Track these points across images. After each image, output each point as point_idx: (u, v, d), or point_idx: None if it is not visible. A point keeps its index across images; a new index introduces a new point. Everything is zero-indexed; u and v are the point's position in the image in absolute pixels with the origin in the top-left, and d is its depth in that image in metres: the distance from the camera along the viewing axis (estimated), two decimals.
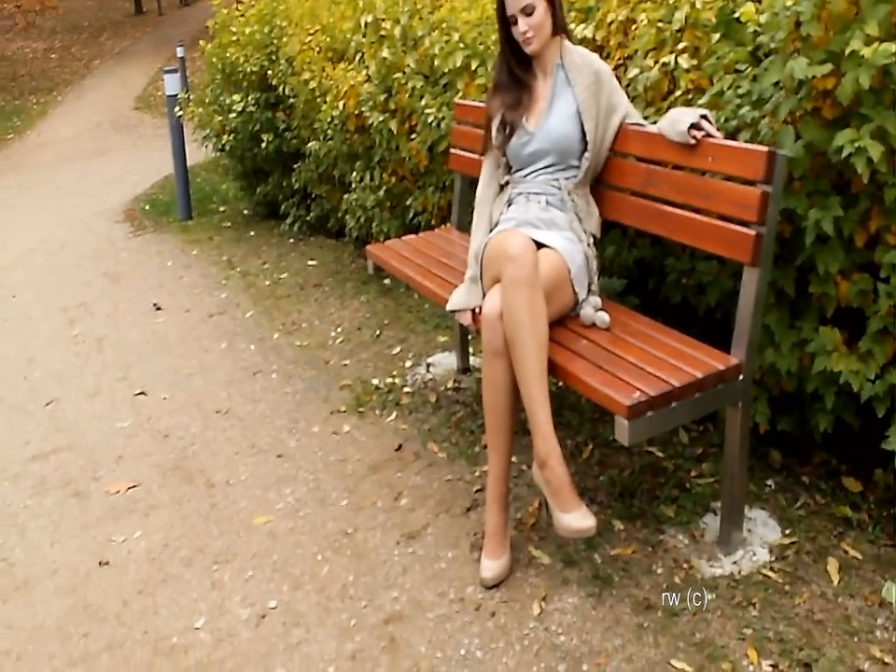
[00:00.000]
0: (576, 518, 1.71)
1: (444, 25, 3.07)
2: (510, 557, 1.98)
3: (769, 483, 2.19)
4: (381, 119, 3.35)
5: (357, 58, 3.62)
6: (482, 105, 2.74)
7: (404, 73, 3.30)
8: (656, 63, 2.09)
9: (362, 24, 3.50)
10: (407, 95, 3.27)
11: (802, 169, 1.76)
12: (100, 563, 2.19)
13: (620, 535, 2.07)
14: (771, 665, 1.65)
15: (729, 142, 1.80)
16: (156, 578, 2.11)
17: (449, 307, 2.17)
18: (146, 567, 2.16)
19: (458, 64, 2.90)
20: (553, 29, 2.08)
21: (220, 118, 4.70)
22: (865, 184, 1.73)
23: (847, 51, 1.57)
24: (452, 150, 2.89)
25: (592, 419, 2.61)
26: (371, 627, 1.87)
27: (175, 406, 3.05)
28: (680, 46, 2.06)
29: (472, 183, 3.04)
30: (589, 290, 2.07)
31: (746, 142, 1.85)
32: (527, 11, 2.02)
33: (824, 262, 1.82)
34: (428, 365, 3.18)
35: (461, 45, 2.92)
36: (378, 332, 3.54)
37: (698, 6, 2.01)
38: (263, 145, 4.56)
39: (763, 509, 2.09)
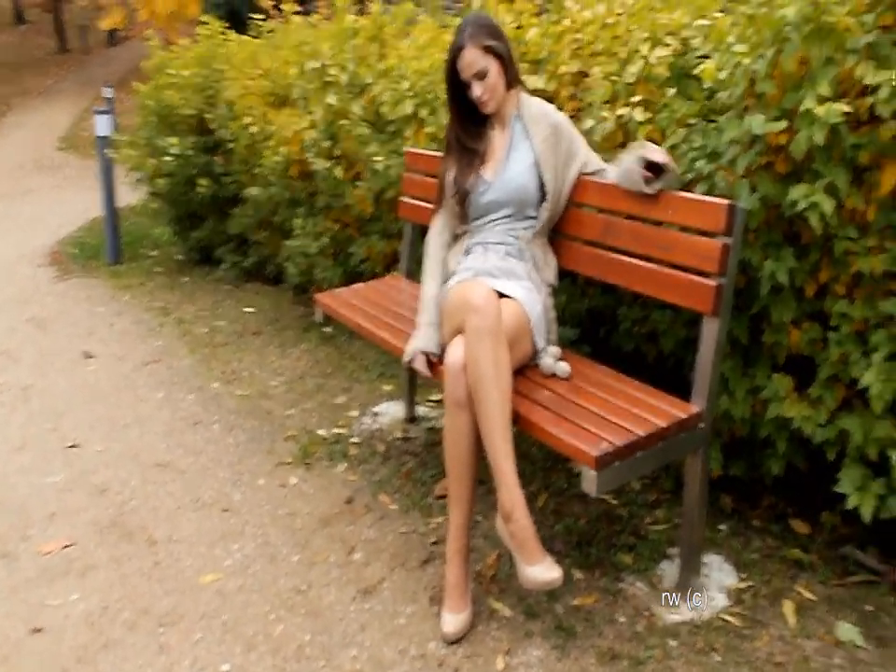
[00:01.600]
0: (541, 570, 1.70)
1: (393, 73, 3.12)
2: (471, 611, 1.95)
3: (721, 527, 2.24)
4: (326, 165, 3.36)
5: (302, 104, 3.64)
6: (433, 153, 2.80)
7: (349, 119, 3.33)
8: (613, 114, 2.17)
9: (308, 70, 3.51)
10: (352, 142, 3.30)
11: (757, 221, 1.84)
12: (33, 629, 2.04)
13: (580, 584, 2.06)
14: None
15: (689, 195, 1.86)
16: (97, 643, 1.98)
17: (405, 359, 2.15)
18: (85, 633, 2.02)
19: (408, 112, 2.94)
20: (507, 85, 2.12)
21: (154, 160, 4.61)
22: (815, 237, 1.83)
23: (802, 109, 1.66)
24: (402, 199, 2.91)
25: (544, 468, 2.62)
26: None
27: (110, 458, 2.91)
28: (635, 99, 2.14)
29: (423, 231, 3.07)
30: (547, 340, 2.09)
31: (703, 194, 1.92)
32: (481, 75, 2.04)
33: (778, 312, 1.89)
34: (375, 414, 3.14)
35: (409, 93, 2.96)
36: (321, 381, 3.49)
37: (652, 61, 2.10)
38: (200, 189, 4.50)
39: (717, 553, 2.13)
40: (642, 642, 1.86)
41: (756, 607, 1.96)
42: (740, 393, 2.01)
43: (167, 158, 4.45)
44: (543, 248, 2.18)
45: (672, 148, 2.03)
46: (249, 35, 4.72)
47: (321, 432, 3.01)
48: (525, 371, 2.05)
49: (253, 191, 3.92)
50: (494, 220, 2.17)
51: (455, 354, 1.86)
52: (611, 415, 1.79)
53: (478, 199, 2.16)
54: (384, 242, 3.45)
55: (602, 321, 2.54)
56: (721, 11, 2.20)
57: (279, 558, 2.29)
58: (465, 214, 2.19)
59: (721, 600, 1.98)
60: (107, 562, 2.32)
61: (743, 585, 2.03)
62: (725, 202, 1.74)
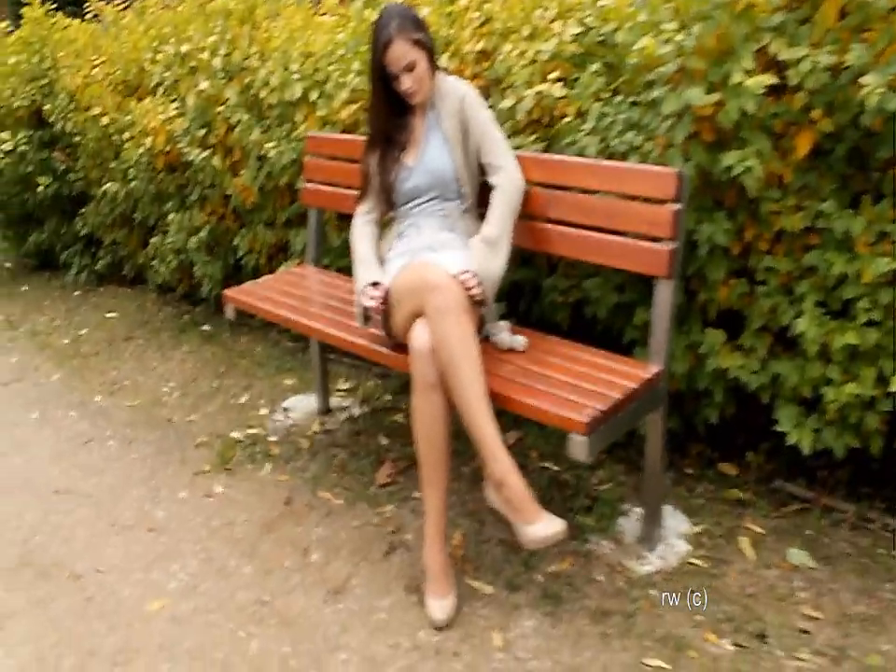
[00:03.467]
0: (544, 526, 1.70)
1: (277, 55, 2.97)
2: (455, 594, 1.93)
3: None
4: (203, 155, 3.14)
5: (162, 91, 3.36)
6: (338, 137, 2.70)
7: (226, 106, 3.13)
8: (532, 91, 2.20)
9: (172, 55, 3.26)
10: (229, 129, 3.11)
11: (692, 188, 1.95)
12: None
13: (550, 551, 2.11)
14: (732, 644, 1.77)
15: (637, 165, 1.93)
16: None
17: (360, 317, 2.09)
18: None
19: (297, 96, 2.81)
20: (432, 74, 2.09)
21: None
22: (740, 200, 1.96)
23: (732, 82, 1.77)
24: (305, 185, 2.78)
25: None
26: None
27: None
28: (552, 75, 2.19)
29: (331, 218, 2.97)
30: (492, 313, 2.10)
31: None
32: (410, 68, 2.02)
33: (712, 271, 2.02)
34: (285, 410, 3.01)
35: (296, 76, 2.84)
36: (217, 382, 3.29)
37: (566, 38, 2.16)
38: (39, 188, 4.05)
39: (666, 503, 2.26)
40: (626, 596, 1.94)
41: (715, 547, 2.10)
42: (678, 350, 2.13)
43: None
44: (474, 223, 2.18)
45: (598, 120, 2.09)
46: (79, 19, 4.28)
47: (234, 434, 2.85)
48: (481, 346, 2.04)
49: (110, 187, 3.59)
50: (420, 204, 2.16)
51: (420, 337, 1.82)
52: (583, 382, 1.83)
53: (401, 185, 2.15)
54: (269, 232, 3.30)
55: (522, 294, 2.58)
56: None
57: (228, 571, 2.15)
58: (391, 201, 2.19)
59: (682, 546, 2.10)
60: (28, 607, 2.07)
61: (698, 529, 2.16)
62: (674, 170, 1.82)
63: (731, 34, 1.84)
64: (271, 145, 2.88)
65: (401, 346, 2.01)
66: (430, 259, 1.98)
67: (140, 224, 3.80)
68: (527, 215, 2.12)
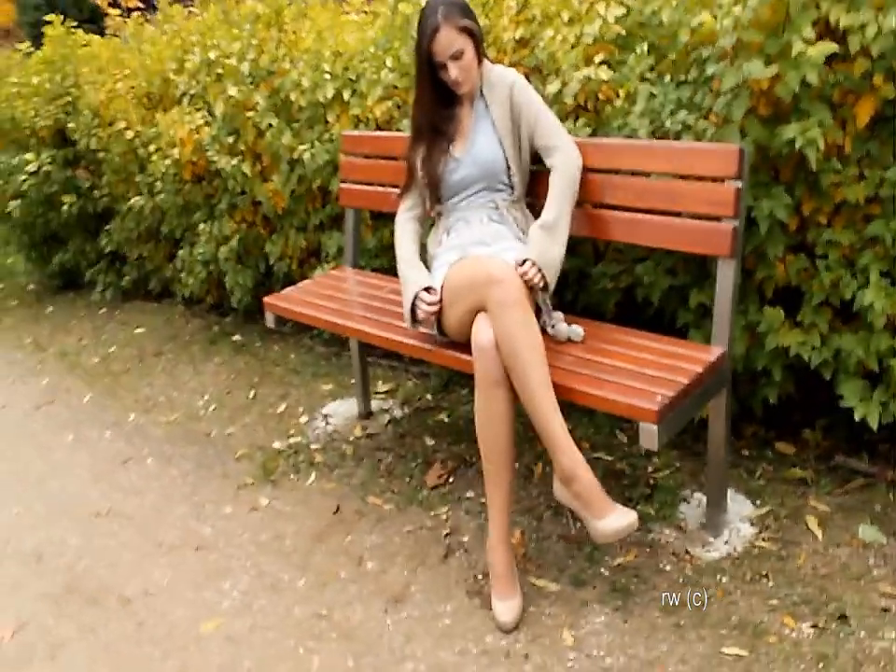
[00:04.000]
0: (616, 518, 1.64)
1: (308, 57, 2.92)
2: (521, 595, 1.87)
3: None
4: (233, 162, 3.09)
5: (186, 101, 3.32)
6: (374, 134, 2.66)
7: (255, 111, 3.07)
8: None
9: (198, 63, 3.21)
10: (256, 135, 3.06)
11: (750, 164, 1.86)
12: None
13: (614, 544, 2.04)
14: (811, 626, 1.70)
15: (695, 144, 1.88)
16: None
17: (409, 318, 2.02)
18: None
19: (329, 96, 2.75)
20: (479, 62, 2.05)
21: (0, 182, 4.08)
22: (799, 173, 1.88)
23: (794, 52, 1.69)
24: (342, 185, 2.73)
25: (528, 438, 2.57)
26: None
27: (35, 520, 2.54)
28: (597, 58, 2.12)
29: (379, 216, 2.90)
30: (545, 303, 2.03)
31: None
32: (457, 56, 1.97)
33: (770, 248, 1.94)
34: (325, 416, 2.96)
35: (327, 76, 2.78)
36: (252, 393, 3.24)
37: (609, 20, 2.08)
38: (64, 207, 4.02)
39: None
40: (696, 584, 1.86)
41: (781, 528, 2.02)
42: (738, 329, 2.04)
43: (21, 177, 3.93)
44: (523, 213, 2.14)
45: (649, 100, 2.02)
46: (99, 34, 4.25)
47: (276, 445, 2.80)
48: None
49: (137, 201, 3.55)
50: (468, 196, 2.11)
51: (484, 333, 1.77)
52: (647, 369, 1.76)
53: (449, 177, 2.09)
54: (301, 236, 3.24)
55: (567, 284, 2.51)
56: None
57: (282, 586, 2.09)
58: (437, 196, 2.12)
59: (747, 529, 2.02)
60: (78, 634, 2.02)
61: (762, 511, 2.08)
62: (735, 146, 1.75)
63: (788, 3, 1.75)
64: (304, 147, 2.82)
65: (453, 344, 1.95)
66: (486, 253, 1.93)
67: (167, 237, 3.77)
68: (582, 201, 2.06)
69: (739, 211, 1.77)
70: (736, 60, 1.80)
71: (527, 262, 1.87)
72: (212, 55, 3.09)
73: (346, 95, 2.79)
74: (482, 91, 2.09)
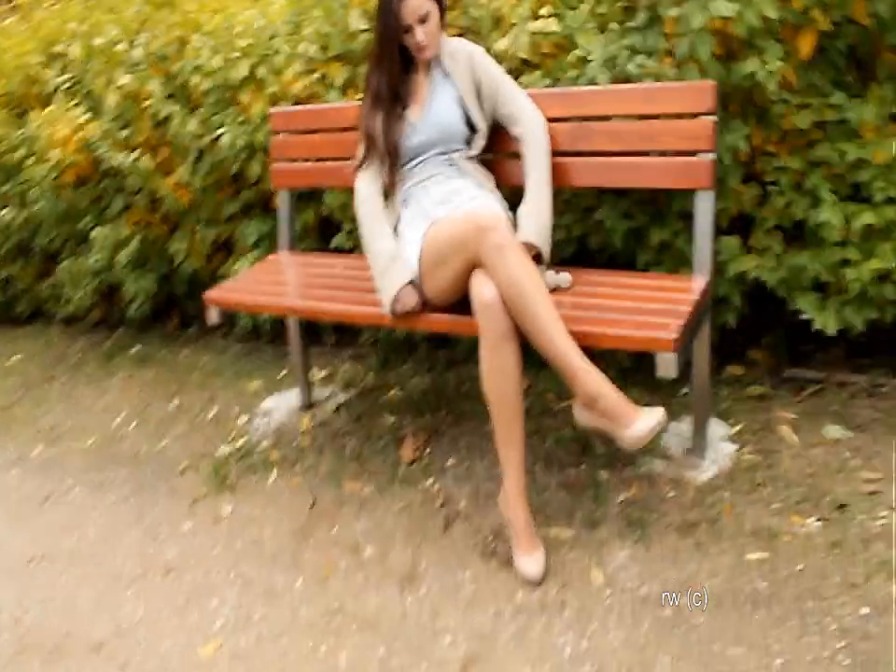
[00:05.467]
0: (646, 420, 1.63)
1: (219, 34, 2.70)
2: (543, 547, 1.84)
3: (684, 390, 2.37)
4: (133, 157, 2.82)
5: (62, 96, 2.98)
6: (310, 108, 2.53)
7: (152, 100, 2.81)
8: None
9: (78, 52, 2.89)
10: (154, 126, 2.82)
11: None
12: None
13: (612, 483, 2.06)
14: (817, 520, 1.81)
15: (672, 84, 1.95)
16: None
17: (389, 305, 1.92)
18: None
19: (245, 74, 2.56)
20: (441, 29, 2.03)
21: None
22: (743, 107, 1.97)
23: None
24: (274, 166, 2.56)
25: None
26: None
27: None
28: (544, 11, 2.13)
29: (300, 197, 2.74)
30: None
31: None
32: (423, 19, 1.93)
33: (732, 178, 2.02)
34: (265, 414, 2.79)
35: (235, 54, 2.59)
36: (175, 402, 3.01)
37: None
38: None
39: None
40: (702, 504, 1.92)
41: (759, 441, 2.12)
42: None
43: None
44: (481, 169, 2.12)
45: (606, 48, 2.03)
46: None
47: (221, 450, 2.60)
48: None
49: (3, 216, 3.17)
50: (424, 160, 2.07)
51: (487, 288, 1.71)
52: (646, 304, 1.79)
53: (406, 142, 2.04)
54: (211, 230, 3.02)
55: None
56: None
57: (279, 591, 1.95)
58: (395, 163, 2.05)
59: (729, 447, 2.11)
60: None
61: (737, 429, 2.18)
62: (709, 83, 1.83)
63: None
64: (221, 131, 2.61)
65: (440, 309, 1.90)
66: (452, 211, 1.89)
67: (41, 252, 3.39)
68: (554, 151, 2.04)
69: (715, 144, 1.84)
70: (691, 2, 1.84)
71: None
72: (98, 41, 2.79)
73: (261, 73, 2.61)
74: (439, 57, 2.07)
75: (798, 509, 1.85)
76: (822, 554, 1.71)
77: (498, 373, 1.74)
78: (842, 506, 1.83)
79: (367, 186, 2.07)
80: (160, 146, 2.92)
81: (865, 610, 1.56)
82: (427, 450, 2.37)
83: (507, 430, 1.78)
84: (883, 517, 1.78)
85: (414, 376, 2.82)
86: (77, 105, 2.93)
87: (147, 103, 2.79)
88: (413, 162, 2.07)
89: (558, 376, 1.74)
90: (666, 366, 1.62)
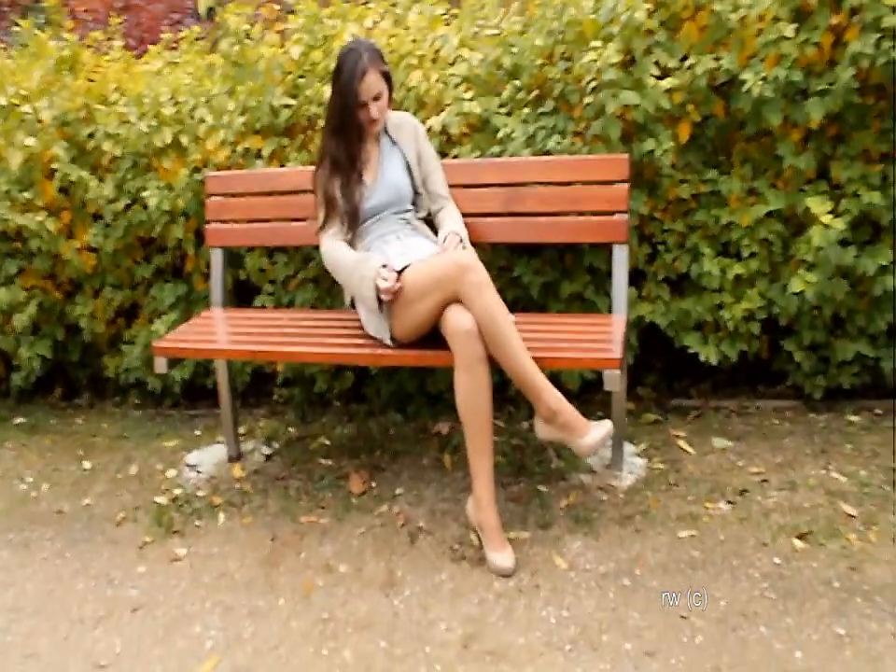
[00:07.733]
0: (597, 430, 1.99)
1: (143, 101, 2.84)
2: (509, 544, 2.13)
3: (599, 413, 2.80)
4: (38, 219, 2.85)
5: None
6: (246, 173, 2.77)
7: (58, 163, 2.87)
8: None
9: None
10: (58, 189, 2.89)
11: None
12: None
13: (552, 493, 2.39)
14: (727, 503, 2.25)
15: (593, 156, 2.42)
16: None
17: (375, 284, 2.12)
18: None
19: (168, 141, 2.74)
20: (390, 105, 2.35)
21: None
22: (636, 180, 2.52)
23: (649, 85, 2.32)
24: (209, 226, 2.73)
25: (432, 436, 2.81)
26: (468, 664, 1.81)
27: None
28: (467, 95, 2.59)
29: (232, 256, 2.90)
30: None
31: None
32: (377, 97, 2.24)
33: (631, 238, 2.54)
34: (193, 467, 2.84)
35: (154, 122, 2.77)
36: (87, 463, 2.95)
37: (474, 63, 2.53)
38: None
39: None
40: (632, 502, 2.30)
41: (663, 454, 2.55)
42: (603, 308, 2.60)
43: None
44: (426, 228, 2.44)
45: (523, 131, 2.50)
46: None
47: (159, 499, 2.62)
48: None
49: None
50: (381, 219, 2.36)
51: (462, 319, 2.00)
52: (586, 335, 2.17)
53: (365, 204, 2.33)
54: (119, 294, 3.09)
55: None
56: None
57: (263, 611, 2.04)
58: (354, 222, 2.33)
59: (639, 461, 2.52)
60: None
61: (643, 446, 2.60)
62: (623, 156, 2.32)
63: (633, 49, 2.37)
64: (147, 194, 2.75)
65: (411, 345, 2.19)
66: (441, 254, 2.20)
67: None
68: (491, 213, 2.45)
69: (628, 206, 2.33)
70: (600, 94, 2.37)
71: (450, 233, 2.26)
72: (2, 100, 2.84)
73: (185, 140, 2.81)
74: (386, 129, 2.41)
75: (709, 497, 2.29)
76: (736, 526, 2.15)
77: (473, 392, 2.03)
78: (743, 491, 2.30)
79: (332, 241, 2.33)
80: (62, 209, 2.98)
81: (777, 560, 2.00)
82: (374, 483, 2.57)
83: (479, 441, 2.06)
84: (773, 496, 2.26)
85: (336, 426, 3.02)
86: None
87: (55, 166, 2.86)
88: (371, 220, 2.35)
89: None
90: (612, 381, 2.02)
